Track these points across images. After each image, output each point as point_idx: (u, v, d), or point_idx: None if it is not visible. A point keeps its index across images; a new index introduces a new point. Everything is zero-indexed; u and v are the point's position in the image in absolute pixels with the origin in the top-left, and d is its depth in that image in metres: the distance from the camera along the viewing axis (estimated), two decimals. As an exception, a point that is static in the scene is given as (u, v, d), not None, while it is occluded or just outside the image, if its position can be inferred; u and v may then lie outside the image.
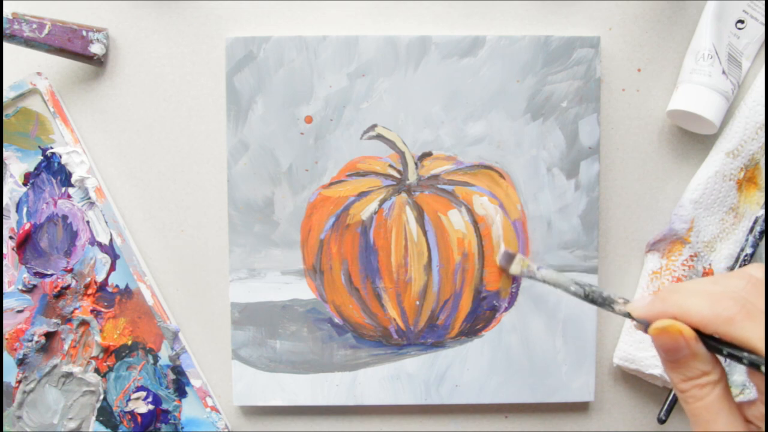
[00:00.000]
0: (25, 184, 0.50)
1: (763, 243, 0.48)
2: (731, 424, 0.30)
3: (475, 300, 0.49)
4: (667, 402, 0.49)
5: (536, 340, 0.49)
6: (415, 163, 0.49)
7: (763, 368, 0.28)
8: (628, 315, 0.35)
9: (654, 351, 0.49)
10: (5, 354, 0.50)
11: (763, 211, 0.48)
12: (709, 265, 0.49)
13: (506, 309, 0.49)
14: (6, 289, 0.50)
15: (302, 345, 0.49)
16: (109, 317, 0.50)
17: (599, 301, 0.38)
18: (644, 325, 0.33)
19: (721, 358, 0.31)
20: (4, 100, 0.49)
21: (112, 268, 0.50)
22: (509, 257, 0.47)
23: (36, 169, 0.50)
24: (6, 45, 0.49)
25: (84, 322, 0.50)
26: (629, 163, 0.50)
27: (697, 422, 0.30)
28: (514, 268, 0.46)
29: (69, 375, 0.50)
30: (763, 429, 0.30)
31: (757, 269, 0.32)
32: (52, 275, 0.50)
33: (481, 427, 0.51)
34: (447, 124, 0.48)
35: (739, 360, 0.29)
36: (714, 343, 0.30)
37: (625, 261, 0.51)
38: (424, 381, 0.49)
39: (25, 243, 0.50)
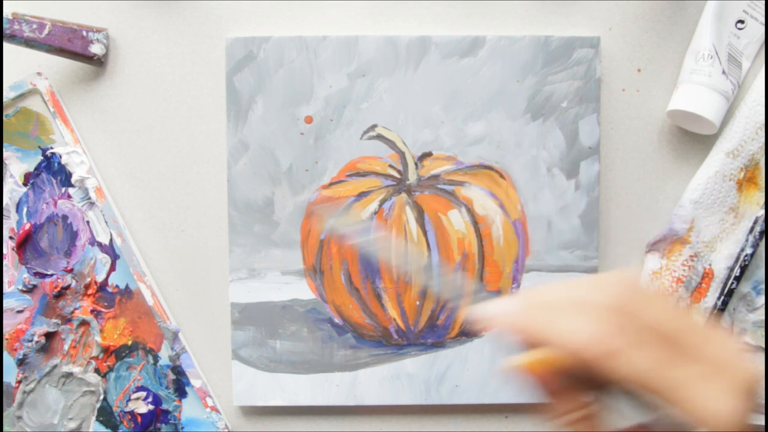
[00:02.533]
0: (25, 184, 0.50)
1: (763, 243, 0.48)
2: None
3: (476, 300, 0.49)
4: (667, 402, 0.49)
5: (536, 340, 0.49)
6: (415, 163, 0.49)
7: (647, 407, 0.25)
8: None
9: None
10: (5, 354, 0.50)
11: (763, 211, 0.48)
12: (709, 265, 0.49)
13: (506, 309, 0.49)
14: (6, 289, 0.50)
15: (302, 345, 0.49)
16: (109, 317, 0.50)
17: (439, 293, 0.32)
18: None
19: None
20: (4, 100, 0.49)
21: (112, 268, 0.50)
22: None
23: (36, 169, 0.50)
24: (6, 45, 0.49)
25: (84, 322, 0.50)
26: (629, 163, 0.50)
27: None
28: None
29: (69, 375, 0.50)
30: None
31: (623, 273, 0.27)
32: (52, 275, 0.50)
33: (481, 427, 0.51)
34: (447, 124, 0.48)
35: (620, 397, 0.25)
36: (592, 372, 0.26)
37: (625, 261, 0.51)
38: (424, 381, 0.49)
39: (25, 243, 0.50)
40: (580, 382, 0.26)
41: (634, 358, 0.25)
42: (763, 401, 0.28)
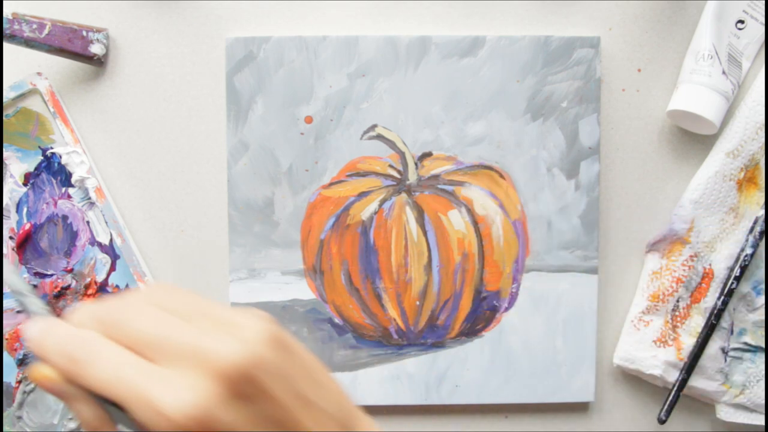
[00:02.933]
0: (25, 185, 0.50)
1: (763, 243, 0.48)
2: None
3: (475, 300, 0.49)
4: (667, 402, 0.49)
5: (536, 340, 0.49)
6: (415, 164, 0.49)
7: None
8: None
9: (654, 351, 0.49)
10: (5, 354, 0.50)
11: (763, 211, 0.48)
12: (709, 265, 0.49)
13: (506, 309, 0.49)
14: (6, 289, 0.50)
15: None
16: (109, 317, 0.50)
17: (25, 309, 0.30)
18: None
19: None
20: (4, 100, 0.49)
21: (112, 268, 0.50)
22: None
23: (36, 169, 0.50)
24: (6, 45, 0.49)
25: (84, 322, 0.50)
26: (629, 163, 0.50)
27: None
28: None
29: (69, 375, 0.50)
30: None
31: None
32: (52, 275, 0.50)
33: (481, 427, 0.51)
34: (447, 124, 0.48)
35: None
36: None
37: (625, 261, 0.51)
38: (424, 381, 0.49)
39: (25, 243, 0.50)
40: (88, 392, 0.25)
41: (102, 365, 0.24)
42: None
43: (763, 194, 0.49)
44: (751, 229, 0.48)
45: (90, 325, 0.25)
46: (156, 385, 0.23)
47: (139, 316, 0.25)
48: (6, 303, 0.50)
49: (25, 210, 0.50)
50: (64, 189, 0.50)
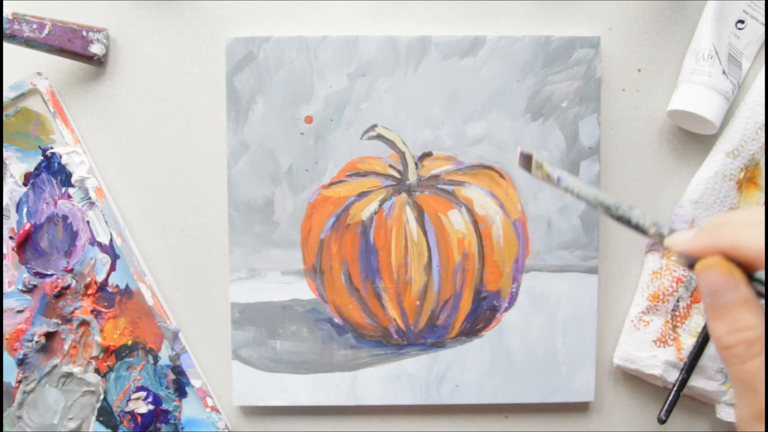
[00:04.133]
0: (25, 184, 0.50)
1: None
2: None
3: (475, 300, 0.49)
4: (667, 402, 0.49)
5: (536, 340, 0.49)
6: (415, 163, 0.49)
7: None
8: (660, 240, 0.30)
9: (654, 351, 0.49)
10: (5, 354, 0.50)
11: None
12: (709, 265, 0.49)
13: (506, 309, 0.49)
14: (6, 289, 0.50)
15: (302, 345, 0.49)
16: (109, 317, 0.50)
17: (630, 225, 0.33)
18: (687, 261, 0.29)
19: None
20: (4, 100, 0.49)
21: (112, 268, 0.50)
22: (526, 159, 0.36)
23: (36, 169, 0.50)
24: (6, 45, 0.49)
25: (84, 322, 0.50)
26: (629, 163, 0.50)
27: (743, 389, 0.24)
28: (534, 173, 0.36)
29: (69, 375, 0.50)
30: None
31: None
32: (52, 275, 0.50)
33: (481, 427, 0.51)
34: (447, 124, 0.48)
35: None
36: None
37: (625, 261, 0.51)
38: (424, 381, 0.49)
39: (26, 243, 0.50)
40: (751, 300, 0.25)
41: None
42: (763, 403, 0.28)
43: (763, 194, 0.49)
44: (751, 229, 0.48)
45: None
46: None
47: None
48: (6, 303, 0.50)
49: (25, 210, 0.50)
50: (64, 189, 0.50)
